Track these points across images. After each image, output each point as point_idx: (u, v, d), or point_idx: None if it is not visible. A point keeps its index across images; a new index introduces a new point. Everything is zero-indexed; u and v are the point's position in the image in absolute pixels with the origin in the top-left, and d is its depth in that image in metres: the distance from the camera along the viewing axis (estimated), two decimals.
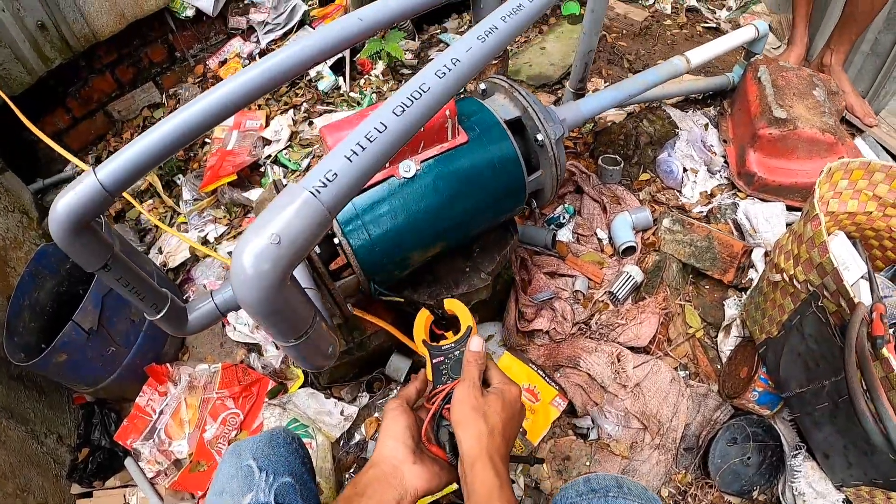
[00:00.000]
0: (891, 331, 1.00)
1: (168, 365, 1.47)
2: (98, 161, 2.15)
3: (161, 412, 1.41)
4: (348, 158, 0.55)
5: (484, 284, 1.17)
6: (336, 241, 0.92)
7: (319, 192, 0.52)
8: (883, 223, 1.18)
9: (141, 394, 1.42)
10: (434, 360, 0.77)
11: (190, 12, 2.14)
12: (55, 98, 2.03)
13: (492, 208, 1.08)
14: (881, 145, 1.81)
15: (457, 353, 0.77)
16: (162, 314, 0.88)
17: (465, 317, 0.81)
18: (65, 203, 0.68)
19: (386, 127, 0.58)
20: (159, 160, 0.72)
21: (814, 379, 1.00)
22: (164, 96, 2.27)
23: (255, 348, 1.54)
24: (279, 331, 0.58)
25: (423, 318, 0.82)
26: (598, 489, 0.69)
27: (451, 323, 0.84)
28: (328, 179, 0.53)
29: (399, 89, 0.63)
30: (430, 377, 0.76)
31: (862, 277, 0.97)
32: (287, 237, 0.50)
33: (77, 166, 2.11)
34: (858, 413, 0.81)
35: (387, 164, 0.80)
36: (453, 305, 0.83)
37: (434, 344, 0.79)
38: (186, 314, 0.94)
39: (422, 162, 0.96)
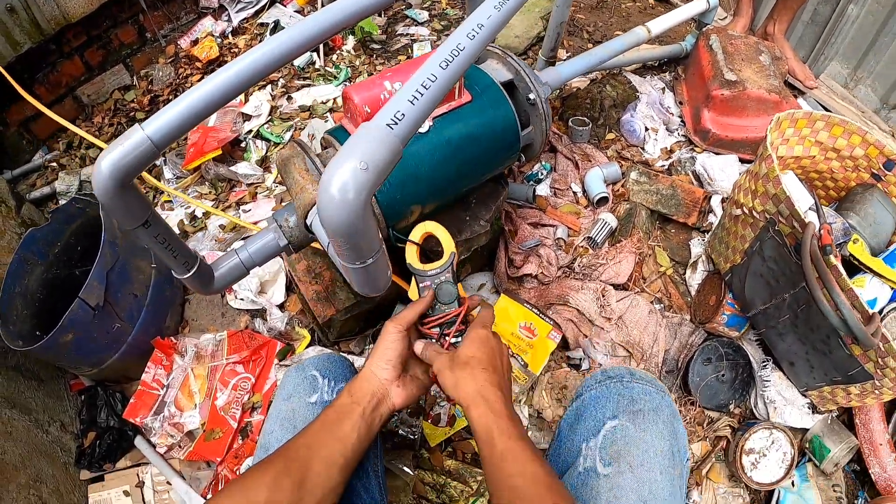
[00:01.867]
0: (837, 249, 1.19)
1: (172, 338, 1.49)
2: (70, 146, 2.13)
3: (168, 386, 1.43)
4: (411, 102, 0.65)
5: (483, 230, 1.29)
6: None
7: (393, 127, 0.62)
8: (825, 166, 1.36)
9: (146, 370, 1.43)
10: (420, 285, 0.86)
11: None
12: (23, 84, 1.94)
13: (492, 159, 1.20)
14: (821, 104, 2.02)
15: (441, 277, 0.85)
16: (193, 272, 0.92)
17: (448, 243, 0.88)
18: (110, 159, 0.70)
19: (436, 77, 0.68)
20: (201, 118, 0.77)
21: (775, 294, 1.17)
22: (134, 78, 2.25)
23: (258, 314, 1.59)
24: (355, 251, 0.68)
25: (412, 249, 0.89)
26: (613, 376, 0.80)
27: (435, 253, 0.90)
28: (398, 118, 0.63)
29: (438, 48, 0.73)
30: (414, 298, 0.86)
31: (810, 208, 1.14)
32: (373, 163, 0.59)
33: (46, 155, 2.10)
34: (817, 301, 0.98)
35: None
36: (434, 229, 0.89)
37: (422, 268, 0.86)
38: (213, 272, 1.01)
39: (433, 118, 1.06)
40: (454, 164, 1.10)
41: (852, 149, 1.31)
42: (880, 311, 1.20)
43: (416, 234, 0.90)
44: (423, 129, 1.04)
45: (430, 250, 0.93)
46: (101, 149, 1.87)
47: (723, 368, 1.35)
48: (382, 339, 0.79)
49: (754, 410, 1.34)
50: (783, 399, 1.30)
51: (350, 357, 1.42)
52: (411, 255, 0.88)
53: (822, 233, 1.00)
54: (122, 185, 0.72)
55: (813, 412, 1.29)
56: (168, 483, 1.34)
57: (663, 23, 1.78)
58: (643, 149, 1.86)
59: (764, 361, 1.35)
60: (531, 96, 1.18)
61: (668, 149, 1.86)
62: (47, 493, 1.27)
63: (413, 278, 0.87)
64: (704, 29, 1.95)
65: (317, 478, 0.67)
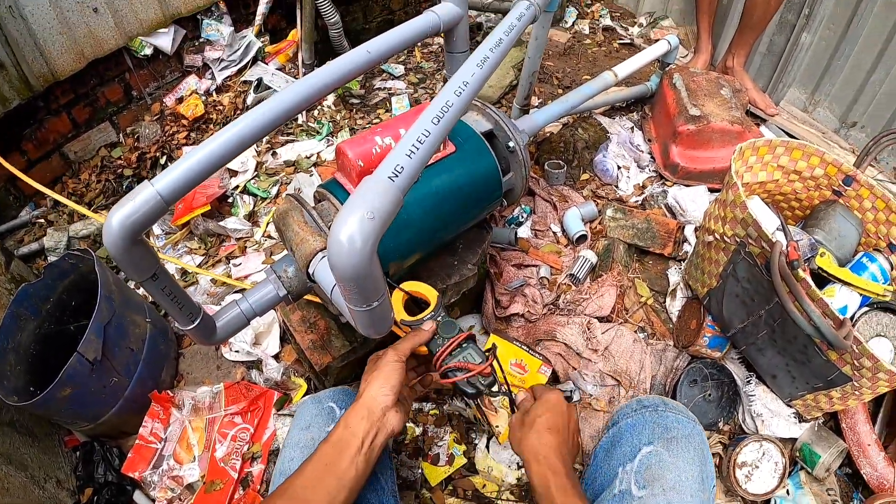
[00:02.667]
0: (806, 264, 1.27)
1: (168, 391, 1.49)
2: (57, 203, 2.15)
3: (166, 439, 1.42)
4: (408, 155, 0.72)
5: (472, 273, 1.35)
6: None
7: (394, 179, 0.68)
8: (789, 188, 1.45)
9: (144, 423, 1.42)
10: (425, 324, 0.90)
11: (148, 51, 2.18)
12: (10, 141, 2.00)
13: (478, 206, 1.27)
14: (783, 130, 2.15)
15: (437, 319, 0.90)
16: (196, 324, 0.96)
17: (430, 294, 0.94)
18: (121, 215, 0.74)
19: (429, 133, 0.76)
20: (209, 173, 0.83)
21: (752, 312, 1.25)
22: (120, 135, 2.30)
23: (253, 365, 1.61)
24: (363, 295, 0.73)
25: (398, 298, 0.94)
26: (648, 406, 0.87)
27: (422, 302, 0.95)
28: (398, 171, 0.69)
29: (430, 104, 0.81)
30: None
31: (777, 229, 1.22)
32: (379, 213, 0.65)
33: (33, 211, 2.12)
34: (790, 313, 1.05)
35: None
36: (415, 286, 0.95)
37: (412, 319, 0.91)
38: (215, 323, 1.04)
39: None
40: (441, 211, 1.17)
41: (812, 169, 1.39)
42: (852, 317, 1.27)
43: (400, 295, 0.95)
44: None
45: (415, 304, 0.98)
46: (80, 213, 1.89)
47: (709, 388, 1.40)
48: (385, 365, 0.82)
49: (743, 426, 1.39)
50: (769, 411, 1.35)
51: None
52: (399, 310, 0.93)
53: (790, 250, 1.09)
54: (132, 240, 0.76)
55: (799, 421, 1.35)
56: None
57: (629, 66, 1.90)
58: (617, 186, 1.96)
59: (748, 378, 1.42)
60: (510, 144, 1.27)
61: (641, 185, 1.96)
62: None
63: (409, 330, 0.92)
64: (668, 68, 2.08)
65: None
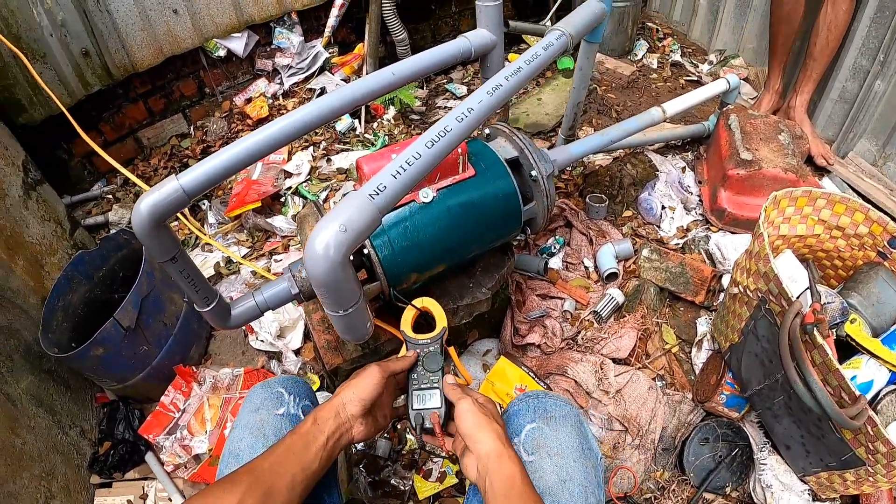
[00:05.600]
0: (833, 330, 1.19)
1: (194, 367, 1.59)
2: (126, 182, 2.33)
3: (184, 410, 1.51)
4: (394, 176, 0.75)
5: (485, 298, 1.35)
6: (366, 251, 1.11)
7: (374, 198, 0.71)
8: (831, 244, 1.36)
9: (166, 393, 1.52)
10: (409, 352, 0.91)
11: (222, 52, 2.35)
12: (90, 121, 2.19)
13: (493, 231, 1.28)
14: (847, 184, 2.02)
15: (431, 348, 0.91)
16: (211, 307, 1.03)
17: (441, 318, 0.95)
18: (148, 202, 0.83)
19: (420, 156, 0.78)
20: (231, 173, 0.90)
21: (769, 374, 1.18)
22: (191, 128, 2.47)
23: (275, 356, 1.69)
24: (334, 301, 0.76)
25: (409, 314, 0.97)
26: (531, 395, 0.92)
27: (430, 324, 0.97)
28: (380, 189, 0.72)
29: (428, 129, 0.83)
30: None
31: (806, 289, 1.16)
32: (351, 227, 0.69)
33: (104, 187, 2.31)
34: (791, 381, 0.99)
35: (410, 191, 1.00)
36: (431, 305, 0.97)
37: (413, 336, 0.92)
38: (230, 309, 1.11)
39: (437, 190, 1.15)
40: (455, 233, 1.19)
41: (856, 226, 1.30)
42: (876, 395, 1.17)
43: (412, 311, 0.98)
44: (428, 199, 1.13)
45: (424, 323, 1.00)
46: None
47: (720, 449, 1.34)
48: (363, 378, 0.85)
49: (752, 495, 1.31)
50: (781, 484, 1.27)
51: None
52: (406, 323, 0.96)
53: (808, 312, 1.02)
54: (156, 224, 0.85)
55: (814, 500, 1.25)
56: (169, 500, 1.43)
57: (680, 103, 1.86)
58: (659, 227, 1.90)
59: (763, 444, 1.34)
60: (533, 173, 1.27)
61: (685, 227, 1.90)
62: (56, 488, 1.36)
63: (405, 345, 0.94)
64: (725, 108, 2.01)
65: (279, 497, 0.73)
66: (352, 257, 1.12)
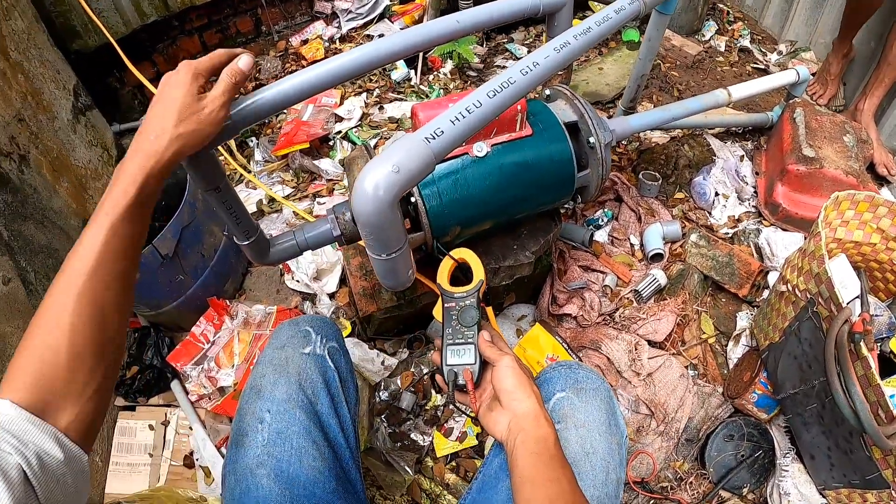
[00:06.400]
0: (878, 344, 1.14)
1: (227, 301, 1.60)
2: None
3: (213, 342, 1.52)
4: (452, 122, 0.72)
5: (528, 261, 1.33)
6: (413, 199, 1.10)
7: (430, 142, 0.69)
8: (886, 256, 1.31)
9: (197, 324, 1.53)
10: (446, 304, 0.87)
11: None
12: (143, 51, 2.19)
13: (544, 194, 1.24)
14: None
15: (466, 301, 0.86)
16: (251, 241, 1.03)
17: (478, 271, 0.91)
18: None
19: (480, 104, 0.75)
20: (281, 107, 0.88)
21: (806, 379, 1.14)
22: None
23: (309, 297, 1.70)
24: (379, 243, 0.75)
25: (447, 265, 0.93)
26: (563, 364, 0.91)
27: (468, 278, 0.92)
28: (437, 134, 0.70)
29: (491, 79, 0.80)
30: (439, 318, 0.88)
31: (856, 297, 1.10)
32: (404, 168, 0.67)
33: None
34: (832, 388, 0.95)
35: (463, 143, 0.97)
36: (469, 257, 0.93)
37: (449, 289, 0.89)
38: (270, 246, 1.11)
39: (492, 145, 1.12)
40: (505, 191, 1.16)
41: None
42: None
43: (449, 263, 0.95)
44: (482, 153, 1.11)
45: (462, 276, 0.97)
46: None
47: (744, 448, 1.31)
48: (170, 90, 0.69)
49: (769, 500, 1.29)
50: (799, 494, 1.24)
51: (381, 355, 1.49)
52: (442, 275, 0.93)
53: (858, 320, 0.98)
54: (203, 152, 0.82)
55: None
56: (190, 428, 1.45)
57: (747, 89, 1.76)
58: (710, 213, 1.84)
59: (787, 450, 1.30)
60: (591, 140, 1.22)
61: (736, 217, 1.83)
62: None
63: (441, 298, 0.91)
64: (791, 101, 1.92)
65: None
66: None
